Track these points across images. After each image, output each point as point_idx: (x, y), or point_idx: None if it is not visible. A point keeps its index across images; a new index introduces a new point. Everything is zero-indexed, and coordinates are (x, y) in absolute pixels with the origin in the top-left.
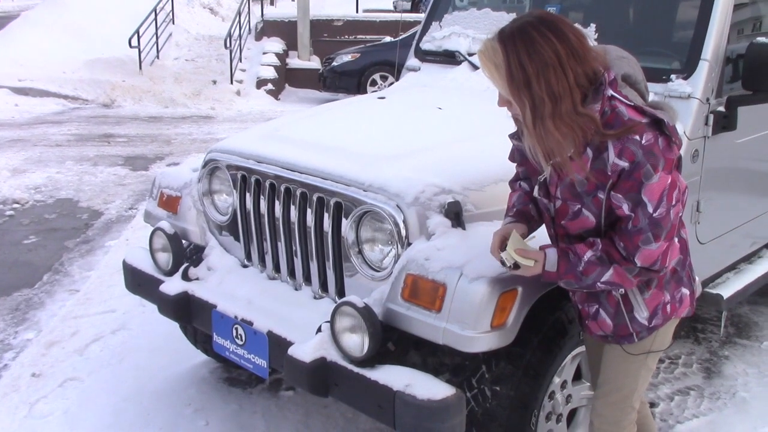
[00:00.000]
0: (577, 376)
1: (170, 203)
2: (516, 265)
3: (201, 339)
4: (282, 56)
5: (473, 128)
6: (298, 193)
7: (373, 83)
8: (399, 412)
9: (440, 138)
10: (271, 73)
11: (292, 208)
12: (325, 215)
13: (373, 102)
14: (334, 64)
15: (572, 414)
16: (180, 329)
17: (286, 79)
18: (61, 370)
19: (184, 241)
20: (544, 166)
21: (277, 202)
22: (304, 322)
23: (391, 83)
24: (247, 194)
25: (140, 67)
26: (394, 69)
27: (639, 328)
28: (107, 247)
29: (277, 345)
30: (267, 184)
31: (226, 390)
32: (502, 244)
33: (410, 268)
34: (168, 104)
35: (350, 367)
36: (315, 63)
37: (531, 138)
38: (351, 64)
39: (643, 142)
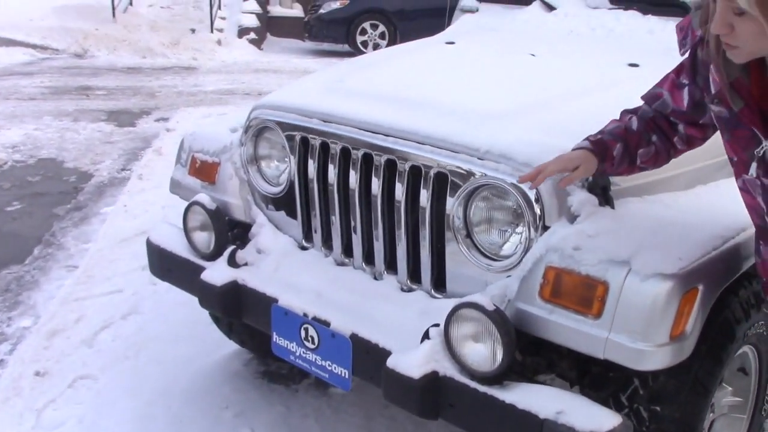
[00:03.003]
0: None
1: (206, 171)
2: None
3: (238, 329)
4: (263, 3)
5: (583, 80)
6: (382, 160)
7: (363, 32)
8: None
9: (551, 92)
10: (253, 21)
11: (374, 179)
12: (422, 190)
13: (444, 48)
14: (322, 11)
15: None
16: (210, 316)
17: (268, 27)
18: (69, 366)
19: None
20: None
21: (352, 172)
22: (393, 321)
23: (382, 33)
24: (310, 161)
25: (113, 15)
26: (385, 17)
27: None
28: (103, 214)
29: (364, 351)
30: (338, 149)
31: (266, 387)
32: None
33: (552, 260)
34: (145, 54)
35: (473, 385)
36: (298, 11)
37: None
38: (339, 12)
39: None
